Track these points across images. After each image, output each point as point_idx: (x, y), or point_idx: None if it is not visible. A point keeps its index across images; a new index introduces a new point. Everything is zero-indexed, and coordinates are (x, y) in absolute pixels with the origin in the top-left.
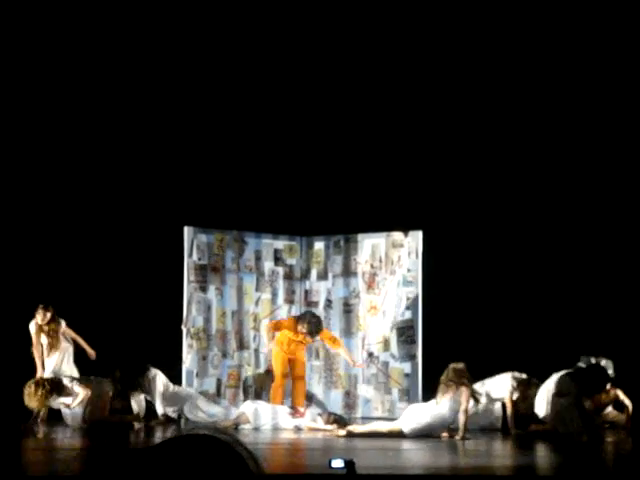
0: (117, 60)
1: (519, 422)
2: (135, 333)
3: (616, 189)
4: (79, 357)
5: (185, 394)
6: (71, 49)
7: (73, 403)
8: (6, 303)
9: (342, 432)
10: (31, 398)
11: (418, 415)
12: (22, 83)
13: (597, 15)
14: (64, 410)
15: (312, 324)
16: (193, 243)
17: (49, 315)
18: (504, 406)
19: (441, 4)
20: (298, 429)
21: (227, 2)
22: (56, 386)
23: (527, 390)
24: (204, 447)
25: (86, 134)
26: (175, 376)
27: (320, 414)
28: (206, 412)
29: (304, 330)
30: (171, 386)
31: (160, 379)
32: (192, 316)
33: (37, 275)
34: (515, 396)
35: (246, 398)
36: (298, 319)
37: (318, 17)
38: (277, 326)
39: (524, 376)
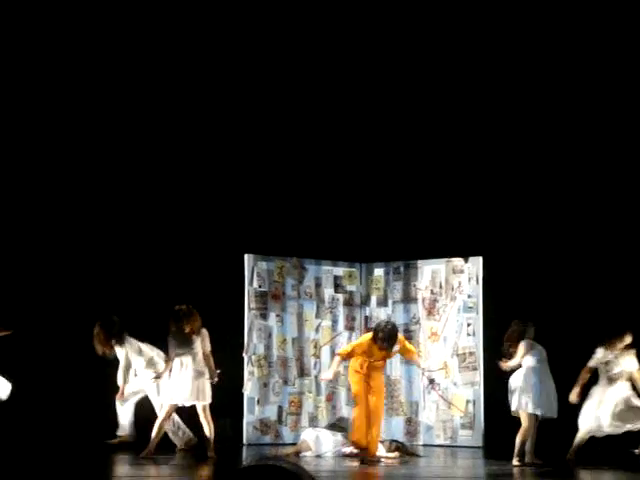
0: (166, 91)
1: None
2: None
3: None
4: None
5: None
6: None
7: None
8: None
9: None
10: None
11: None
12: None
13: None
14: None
15: (387, 338)
16: (253, 271)
17: None
18: None
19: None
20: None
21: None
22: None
23: None
24: (273, 478)
25: (146, 167)
26: (237, 403)
27: (382, 441)
28: None
29: (385, 345)
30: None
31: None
32: (253, 343)
33: (100, 303)
34: None
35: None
36: (374, 339)
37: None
38: (350, 355)
39: None
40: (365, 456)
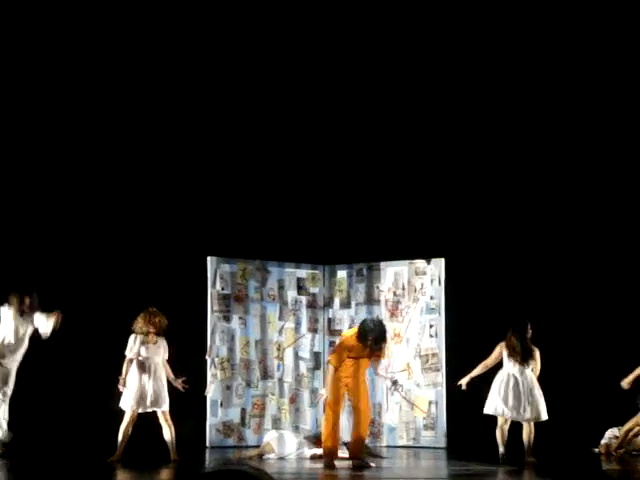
0: (142, 92)
1: None
2: None
3: None
4: None
5: None
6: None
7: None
8: None
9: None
10: None
11: None
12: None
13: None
14: None
15: (376, 332)
16: (216, 273)
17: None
18: None
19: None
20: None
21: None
22: None
23: None
24: None
25: (110, 167)
26: (200, 405)
27: (345, 443)
28: None
29: (370, 343)
30: None
31: None
32: (216, 346)
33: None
34: None
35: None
36: (360, 337)
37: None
38: (340, 359)
39: None
40: (329, 458)
